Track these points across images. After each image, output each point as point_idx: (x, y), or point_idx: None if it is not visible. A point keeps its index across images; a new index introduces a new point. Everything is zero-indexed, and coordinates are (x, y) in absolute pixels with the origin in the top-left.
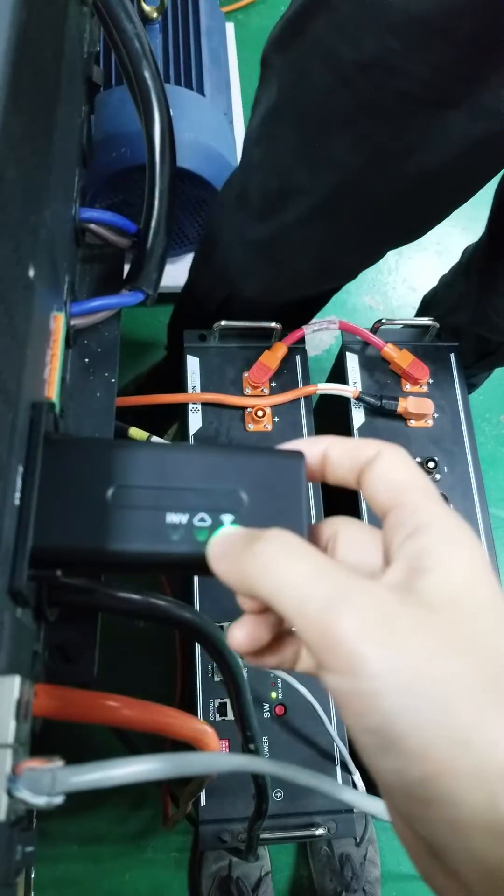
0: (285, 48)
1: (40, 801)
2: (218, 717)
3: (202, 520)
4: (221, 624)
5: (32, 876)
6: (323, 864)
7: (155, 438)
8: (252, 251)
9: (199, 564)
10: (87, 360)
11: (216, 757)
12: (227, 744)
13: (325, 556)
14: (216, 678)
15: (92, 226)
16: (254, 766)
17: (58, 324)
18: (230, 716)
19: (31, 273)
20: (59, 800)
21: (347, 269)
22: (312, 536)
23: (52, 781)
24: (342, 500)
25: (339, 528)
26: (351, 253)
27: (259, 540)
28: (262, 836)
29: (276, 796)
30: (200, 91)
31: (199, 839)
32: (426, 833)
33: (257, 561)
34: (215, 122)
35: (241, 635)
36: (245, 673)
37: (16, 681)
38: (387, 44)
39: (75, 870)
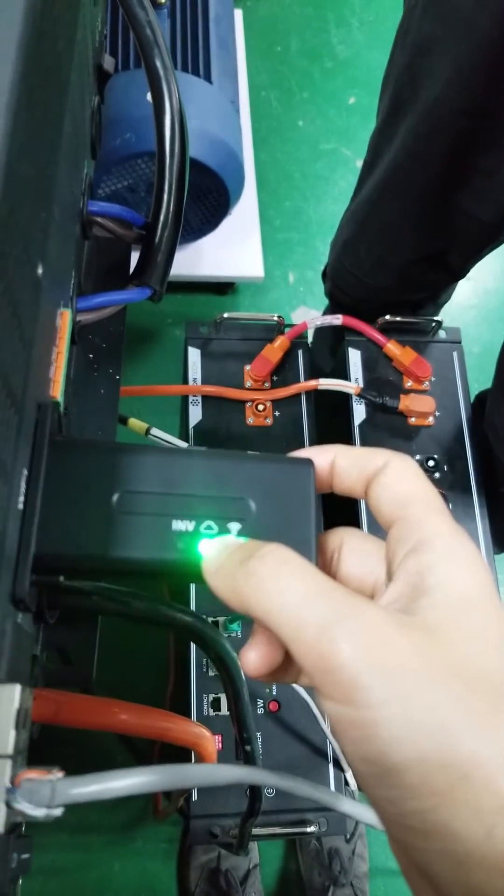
0: None
1: (39, 812)
2: (212, 713)
3: (209, 528)
4: (217, 619)
5: (19, 883)
6: (312, 857)
7: (155, 430)
8: None
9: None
10: (91, 355)
11: (216, 769)
12: (220, 738)
13: (323, 575)
14: (210, 673)
15: (99, 219)
16: (254, 778)
17: (64, 320)
18: (224, 711)
19: (40, 271)
20: (58, 812)
21: None
22: (318, 547)
23: (51, 793)
24: (341, 509)
25: (345, 538)
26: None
27: (253, 557)
28: (254, 832)
29: (267, 793)
30: (207, 78)
31: (190, 833)
32: (422, 862)
33: (251, 580)
34: (222, 110)
35: (254, 657)
36: (244, 674)
37: (16, 690)
38: None
39: (64, 858)
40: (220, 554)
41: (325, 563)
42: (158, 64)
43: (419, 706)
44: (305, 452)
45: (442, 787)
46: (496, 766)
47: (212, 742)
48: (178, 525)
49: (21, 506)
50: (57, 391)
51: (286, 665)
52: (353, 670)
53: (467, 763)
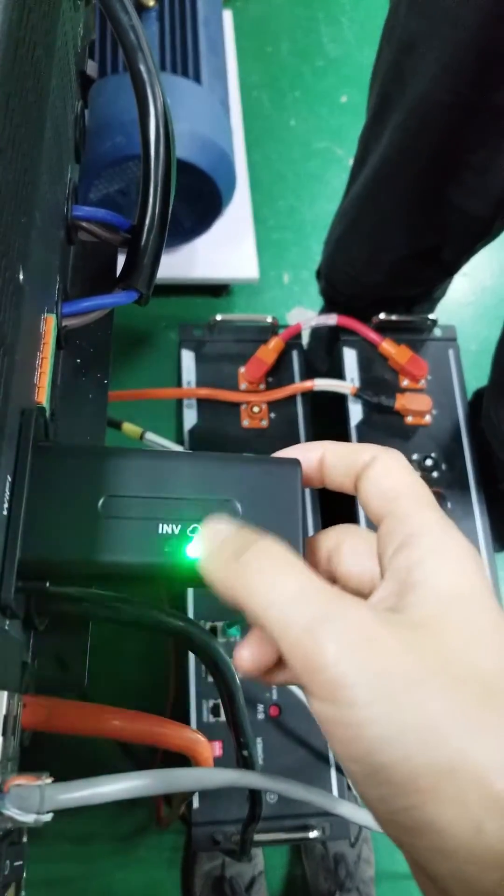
0: None
1: (29, 818)
2: (212, 719)
3: (195, 531)
4: (215, 624)
5: (23, 893)
6: (317, 863)
7: (149, 434)
8: None
9: (192, 577)
10: (78, 360)
11: (206, 773)
12: (220, 744)
13: (313, 574)
14: (210, 679)
15: (84, 223)
16: (245, 781)
17: (48, 326)
18: (224, 717)
19: (21, 277)
20: (47, 817)
21: None
22: (314, 547)
23: (40, 799)
24: (340, 505)
25: (344, 537)
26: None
27: (247, 550)
28: (256, 838)
29: (269, 798)
30: (197, 80)
31: (193, 840)
32: (416, 859)
33: (242, 572)
34: (212, 112)
35: (247, 655)
36: (238, 678)
37: (3, 697)
38: None
39: (67, 868)
40: (214, 537)
41: (322, 563)
42: (142, 68)
43: (405, 704)
44: (293, 450)
45: (428, 784)
46: (484, 762)
47: (207, 747)
48: (165, 528)
49: (5, 511)
50: (42, 397)
51: (281, 664)
52: (338, 670)
53: (454, 759)
